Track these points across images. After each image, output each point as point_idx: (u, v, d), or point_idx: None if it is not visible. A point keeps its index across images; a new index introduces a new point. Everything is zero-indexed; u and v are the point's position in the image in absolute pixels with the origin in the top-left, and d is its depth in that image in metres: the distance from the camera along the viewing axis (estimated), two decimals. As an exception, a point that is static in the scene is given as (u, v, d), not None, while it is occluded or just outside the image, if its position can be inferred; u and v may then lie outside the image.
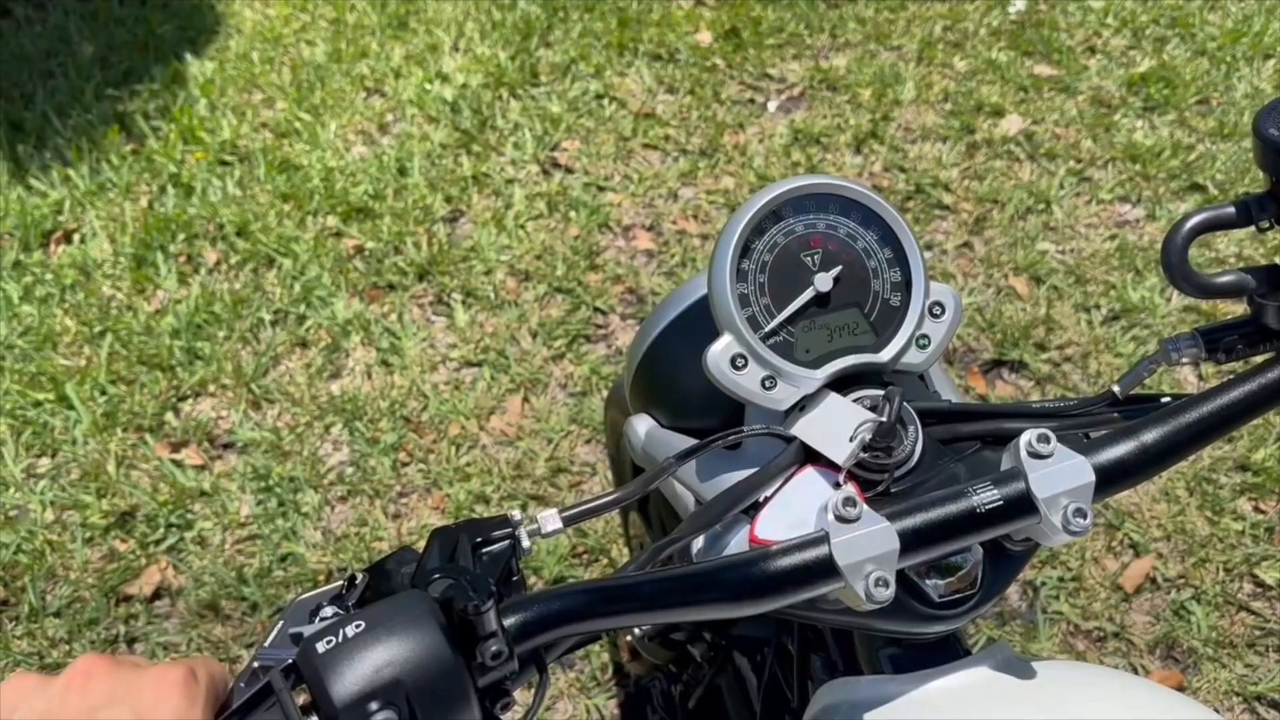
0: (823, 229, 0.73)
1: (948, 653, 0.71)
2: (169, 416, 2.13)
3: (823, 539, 0.60)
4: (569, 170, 2.65)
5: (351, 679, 0.49)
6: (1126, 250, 2.42)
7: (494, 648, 0.52)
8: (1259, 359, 0.70)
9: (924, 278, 0.73)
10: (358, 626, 0.51)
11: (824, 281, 0.71)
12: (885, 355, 0.72)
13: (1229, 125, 2.71)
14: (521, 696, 0.65)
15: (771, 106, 2.83)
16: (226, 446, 2.10)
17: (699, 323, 0.88)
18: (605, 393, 2.17)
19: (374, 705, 0.48)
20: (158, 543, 1.93)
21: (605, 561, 1.91)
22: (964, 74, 2.92)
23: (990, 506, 0.62)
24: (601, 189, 2.59)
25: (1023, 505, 0.62)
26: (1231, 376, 0.68)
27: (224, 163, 2.67)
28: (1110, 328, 2.27)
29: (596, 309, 2.31)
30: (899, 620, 0.67)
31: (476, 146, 2.69)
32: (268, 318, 2.30)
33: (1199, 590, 1.87)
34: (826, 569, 0.59)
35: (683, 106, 2.80)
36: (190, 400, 2.17)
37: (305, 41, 3.05)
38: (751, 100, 2.85)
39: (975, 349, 2.24)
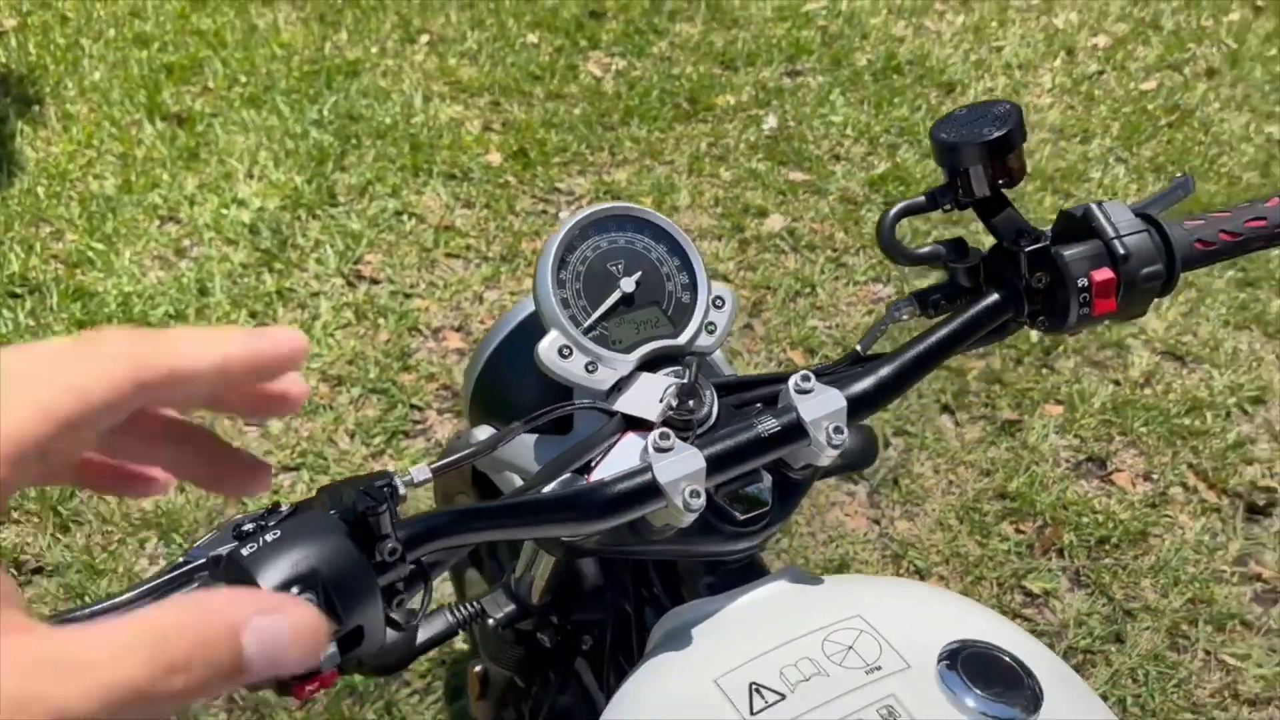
0: (623, 244, 0.89)
1: (754, 574, 0.86)
2: (-33, 547, 2.04)
3: (647, 468, 0.75)
4: (374, 281, 2.75)
5: (275, 572, 0.59)
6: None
7: (389, 545, 0.63)
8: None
9: (705, 279, 0.90)
10: (275, 534, 0.61)
11: (628, 284, 0.88)
12: (682, 339, 0.88)
13: (954, 211, 3.13)
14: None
15: (563, 215, 3.05)
16: (36, 571, 2.03)
17: (527, 337, 1.02)
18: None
19: (296, 589, 0.58)
20: (-38, 676, 1.84)
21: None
22: (730, 182, 3.25)
23: (771, 432, 0.78)
24: (408, 296, 2.71)
25: (795, 429, 0.79)
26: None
27: (14, 295, 2.63)
28: (878, 388, 2.56)
29: (413, 406, 2.40)
30: (713, 541, 0.82)
31: (278, 264, 2.76)
32: (72, 440, 2.26)
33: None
34: (652, 489, 0.74)
35: (480, 219, 2.98)
36: (-10, 530, 2.09)
37: (93, 176, 3.05)
38: (544, 211, 3.07)
39: (765, 415, 2.47)
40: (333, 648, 0.60)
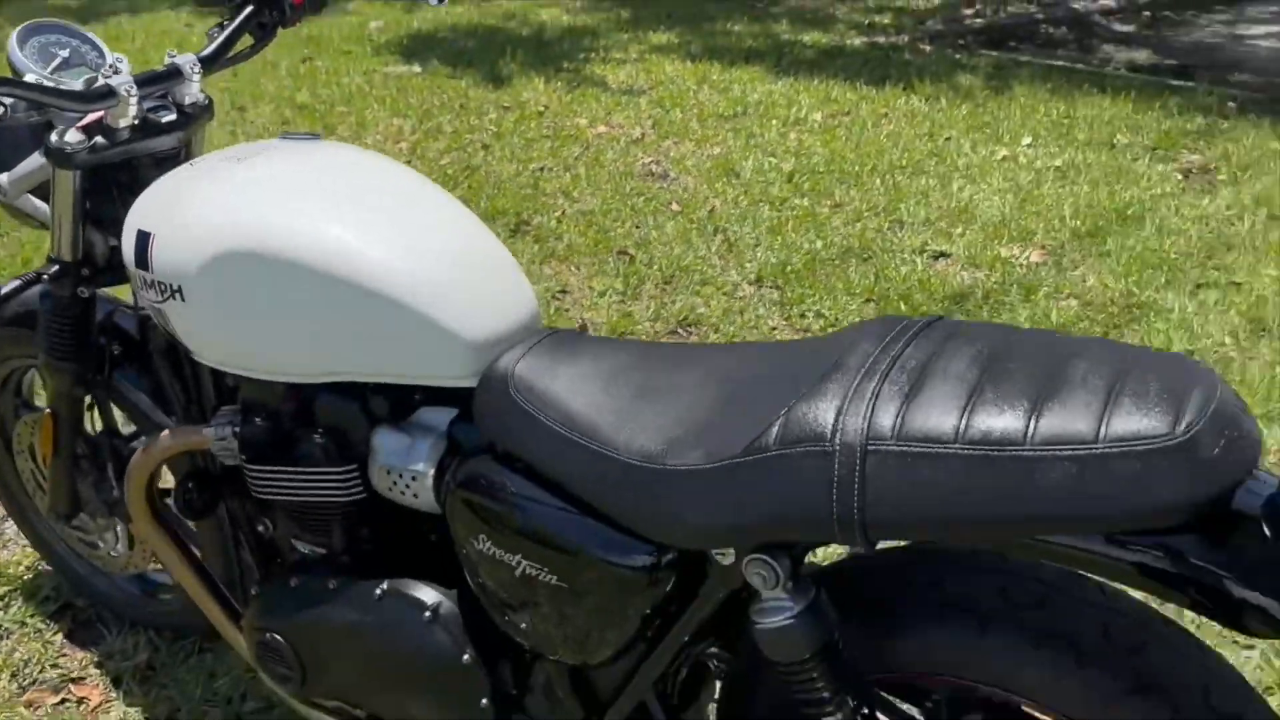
0: (56, 37, 1.72)
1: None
2: None
3: (108, 82, 1.60)
4: None
5: None
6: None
7: None
8: None
9: (109, 52, 1.75)
10: None
11: (63, 54, 1.73)
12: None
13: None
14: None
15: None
16: None
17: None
18: None
19: None
20: None
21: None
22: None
23: (160, 71, 1.68)
24: None
25: (176, 70, 1.65)
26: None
27: None
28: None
29: None
30: (151, 139, 1.57)
31: None
32: None
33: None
34: (112, 90, 1.55)
35: None
36: None
37: None
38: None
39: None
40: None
